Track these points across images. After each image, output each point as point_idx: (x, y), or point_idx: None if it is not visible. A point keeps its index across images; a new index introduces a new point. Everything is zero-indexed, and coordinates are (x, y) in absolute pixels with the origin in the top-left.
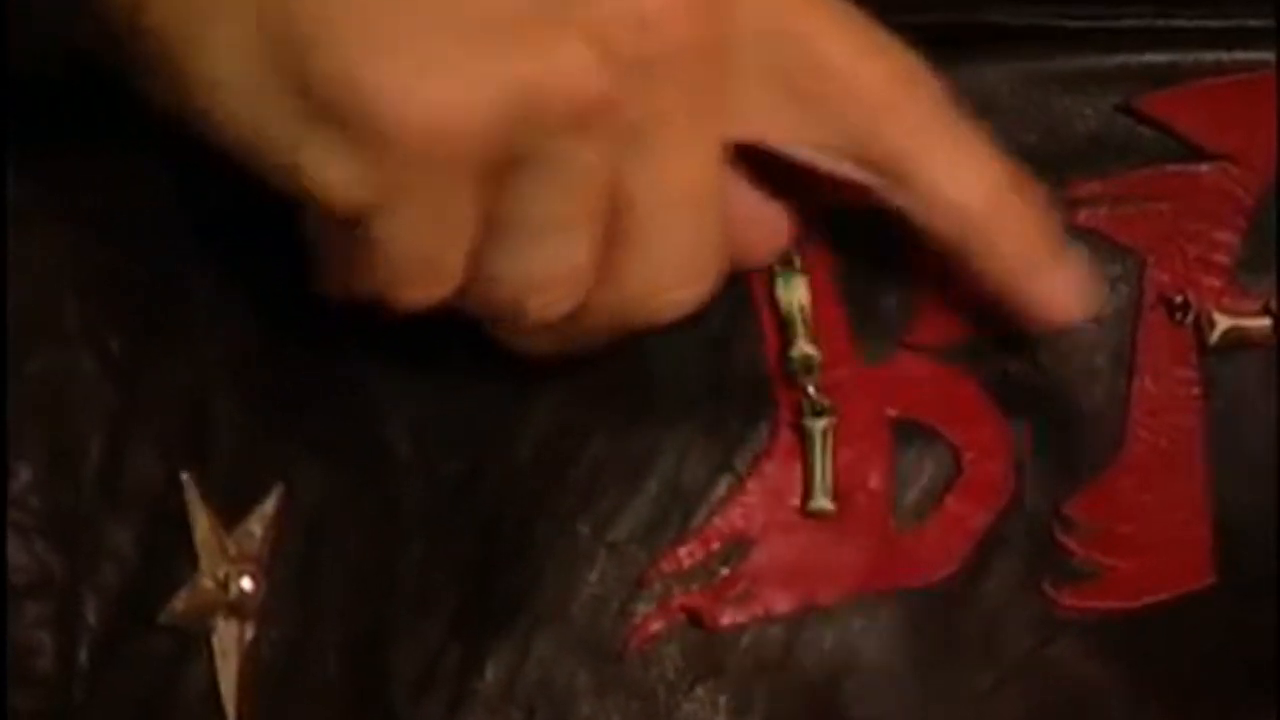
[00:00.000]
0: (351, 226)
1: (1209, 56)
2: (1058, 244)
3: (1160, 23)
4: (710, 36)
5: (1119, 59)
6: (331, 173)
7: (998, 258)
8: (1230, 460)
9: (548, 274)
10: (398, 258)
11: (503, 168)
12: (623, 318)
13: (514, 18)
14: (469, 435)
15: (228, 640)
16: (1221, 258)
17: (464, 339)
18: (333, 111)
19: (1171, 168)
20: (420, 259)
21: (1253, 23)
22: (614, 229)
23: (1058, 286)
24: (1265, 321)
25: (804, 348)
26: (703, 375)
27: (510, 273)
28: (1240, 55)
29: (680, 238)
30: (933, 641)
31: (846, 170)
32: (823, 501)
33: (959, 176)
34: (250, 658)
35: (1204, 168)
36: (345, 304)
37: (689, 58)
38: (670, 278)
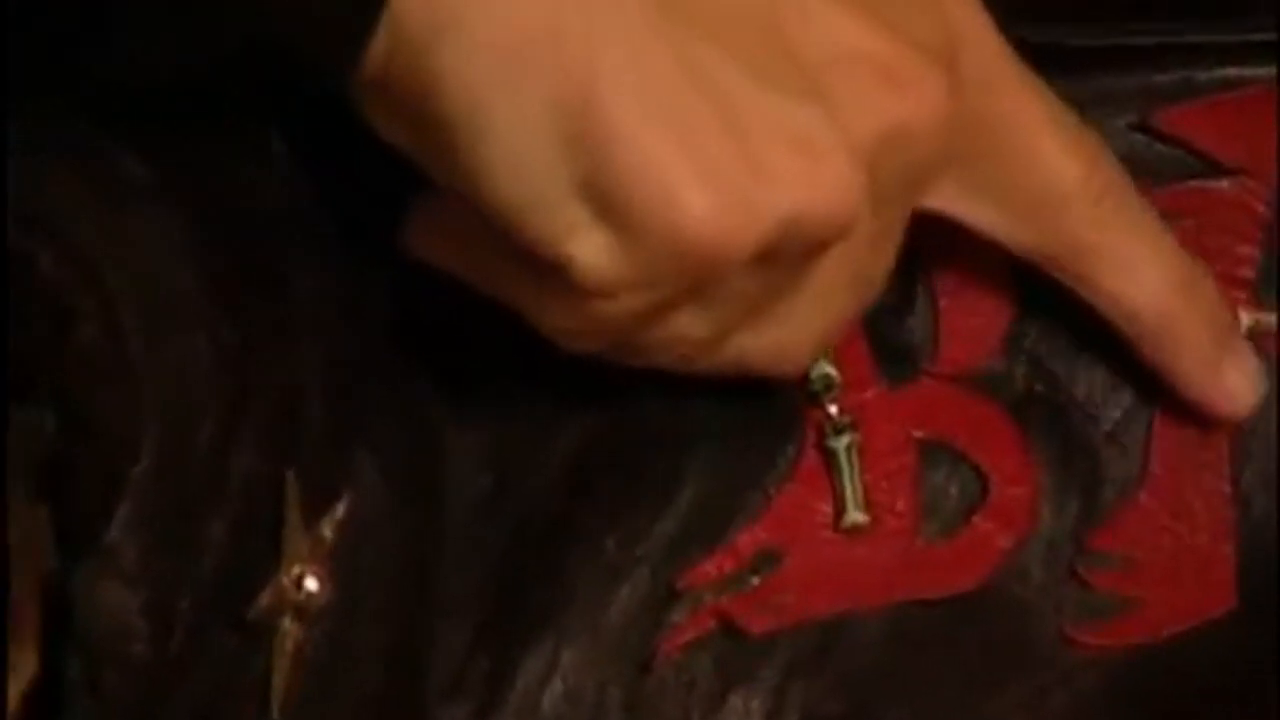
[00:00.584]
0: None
1: (1220, 72)
2: (1235, 336)
3: (1172, 40)
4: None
5: (1133, 77)
6: (598, 260)
7: (1174, 354)
8: (1253, 477)
9: (721, 341)
10: (609, 323)
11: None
12: (752, 367)
13: (796, 134)
14: (503, 449)
15: (288, 641)
16: (1244, 272)
17: (507, 356)
18: (616, 206)
19: (1192, 184)
20: (626, 329)
21: (1258, 37)
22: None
23: (1232, 379)
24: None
25: (824, 368)
26: (729, 398)
27: (686, 340)
28: (1249, 71)
29: (835, 312)
30: (962, 655)
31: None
32: (856, 515)
33: (1138, 277)
34: (299, 658)
35: (1223, 183)
36: (411, 317)
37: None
38: (809, 344)
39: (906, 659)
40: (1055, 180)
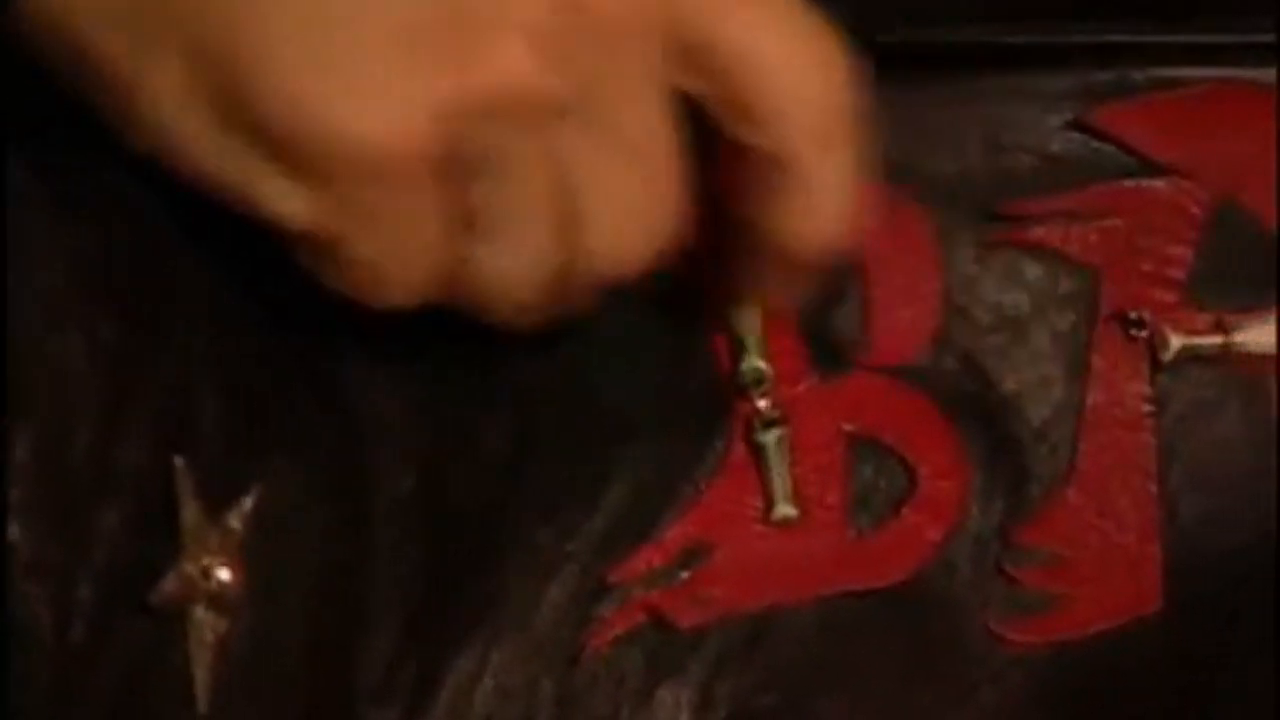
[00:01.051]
0: (321, 243)
1: (1157, 72)
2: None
3: (1109, 39)
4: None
5: (1068, 76)
6: (290, 203)
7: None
8: (1181, 477)
9: (521, 263)
10: (369, 270)
11: (459, 169)
12: (594, 277)
13: (442, 23)
14: (432, 444)
15: (205, 630)
16: (1175, 273)
17: (434, 348)
18: (279, 144)
19: (1126, 183)
20: (392, 269)
21: (1200, 38)
22: (573, 197)
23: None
24: (1217, 338)
25: (754, 362)
26: (660, 392)
27: (487, 267)
28: (1187, 71)
29: (636, 193)
30: (893, 648)
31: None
32: (786, 509)
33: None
34: (223, 651)
35: (1157, 182)
36: (327, 308)
37: (626, 29)
38: (632, 234)
39: (837, 651)
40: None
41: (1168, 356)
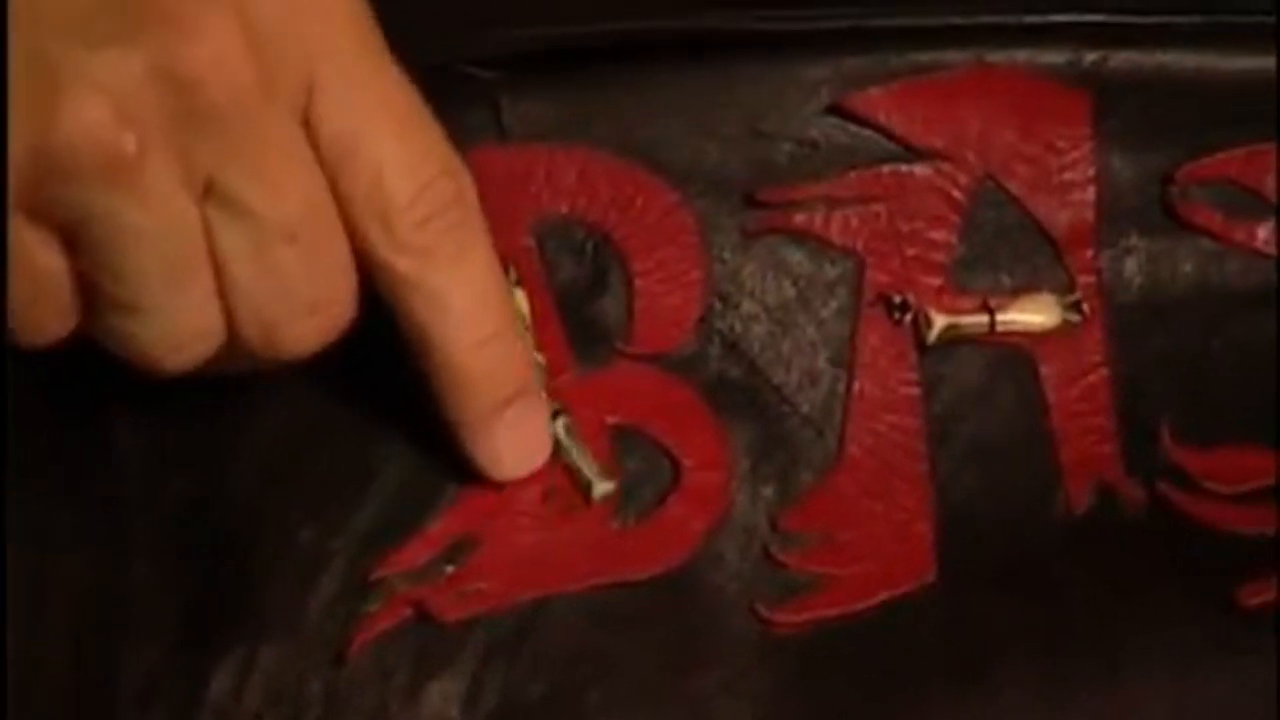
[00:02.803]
0: None
1: (914, 57)
2: (526, 400)
3: (863, 24)
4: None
5: (827, 62)
6: None
7: (455, 404)
8: (951, 458)
9: (153, 333)
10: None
11: (69, 230)
12: (262, 353)
13: (21, 76)
14: (196, 453)
15: None
16: (938, 256)
17: None
18: None
19: (885, 168)
20: (23, 312)
21: (956, 20)
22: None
23: (502, 444)
24: (983, 319)
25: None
26: (424, 386)
27: (120, 333)
28: (945, 55)
29: (292, 274)
30: (662, 638)
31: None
32: (604, 485)
33: (445, 315)
34: None
35: (916, 167)
36: None
37: (241, 113)
38: (290, 311)
39: (606, 641)
40: (386, 193)
41: (932, 338)
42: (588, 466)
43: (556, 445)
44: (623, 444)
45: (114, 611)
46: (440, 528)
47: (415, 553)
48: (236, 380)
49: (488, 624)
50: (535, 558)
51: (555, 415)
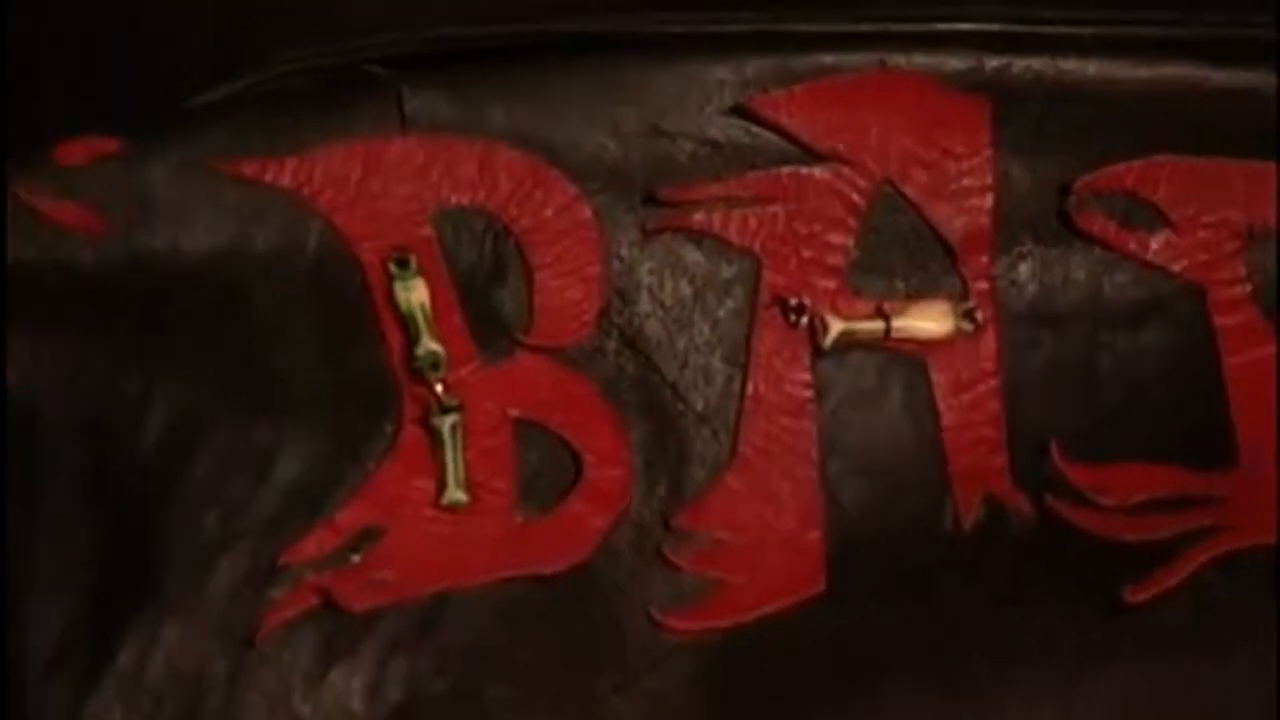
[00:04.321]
0: None
1: (818, 59)
2: None
3: (767, 28)
4: None
5: (729, 62)
6: None
7: None
8: (842, 464)
9: None
10: None
11: None
12: None
13: None
14: (97, 424)
15: None
16: (835, 259)
17: (101, 326)
18: None
19: (785, 170)
20: None
21: (861, 28)
22: None
23: None
24: (878, 324)
25: (429, 345)
26: (324, 372)
27: None
28: (848, 58)
29: None
30: (563, 637)
31: None
32: (457, 494)
33: None
34: None
35: (815, 170)
36: None
37: None
38: None
39: (507, 638)
40: None
41: (828, 343)
42: (454, 470)
43: (438, 439)
44: (525, 437)
45: (23, 581)
46: (345, 516)
47: (321, 540)
48: (137, 352)
49: (392, 616)
50: (440, 549)
51: (449, 411)
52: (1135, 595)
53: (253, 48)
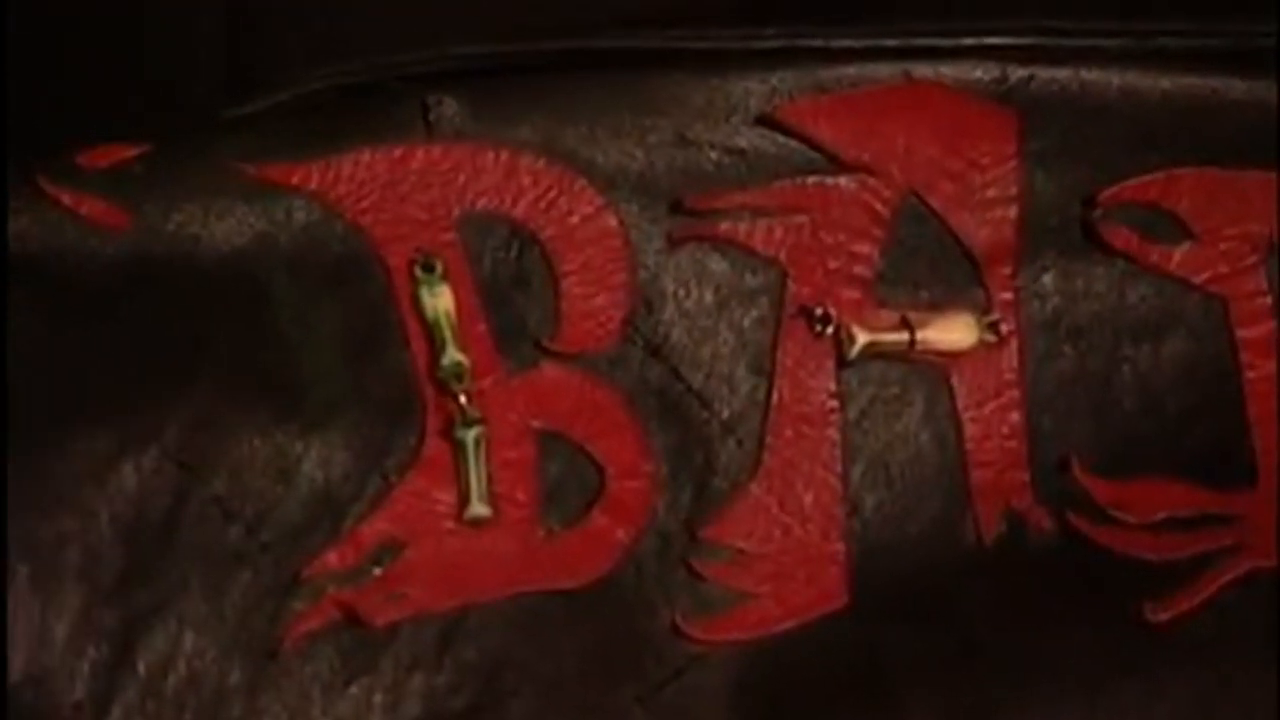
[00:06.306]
0: None
1: (845, 71)
2: None
3: (795, 44)
4: None
5: (754, 76)
6: None
7: None
8: (864, 474)
9: None
10: None
11: None
12: None
13: None
14: (115, 422)
15: None
16: (860, 270)
17: (116, 329)
18: None
19: (810, 179)
20: None
21: (888, 41)
22: None
23: None
24: (903, 336)
25: (454, 355)
26: (348, 380)
27: None
28: (873, 70)
29: None
30: (584, 649)
31: None
32: (480, 509)
33: None
34: None
35: (841, 180)
36: None
37: None
38: None
39: (528, 652)
40: None
41: (853, 353)
42: (476, 484)
43: (461, 451)
44: (547, 449)
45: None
46: (366, 531)
47: (343, 554)
48: (158, 350)
49: (413, 630)
50: (461, 563)
51: (473, 424)
52: (1156, 615)
53: (265, 61)
